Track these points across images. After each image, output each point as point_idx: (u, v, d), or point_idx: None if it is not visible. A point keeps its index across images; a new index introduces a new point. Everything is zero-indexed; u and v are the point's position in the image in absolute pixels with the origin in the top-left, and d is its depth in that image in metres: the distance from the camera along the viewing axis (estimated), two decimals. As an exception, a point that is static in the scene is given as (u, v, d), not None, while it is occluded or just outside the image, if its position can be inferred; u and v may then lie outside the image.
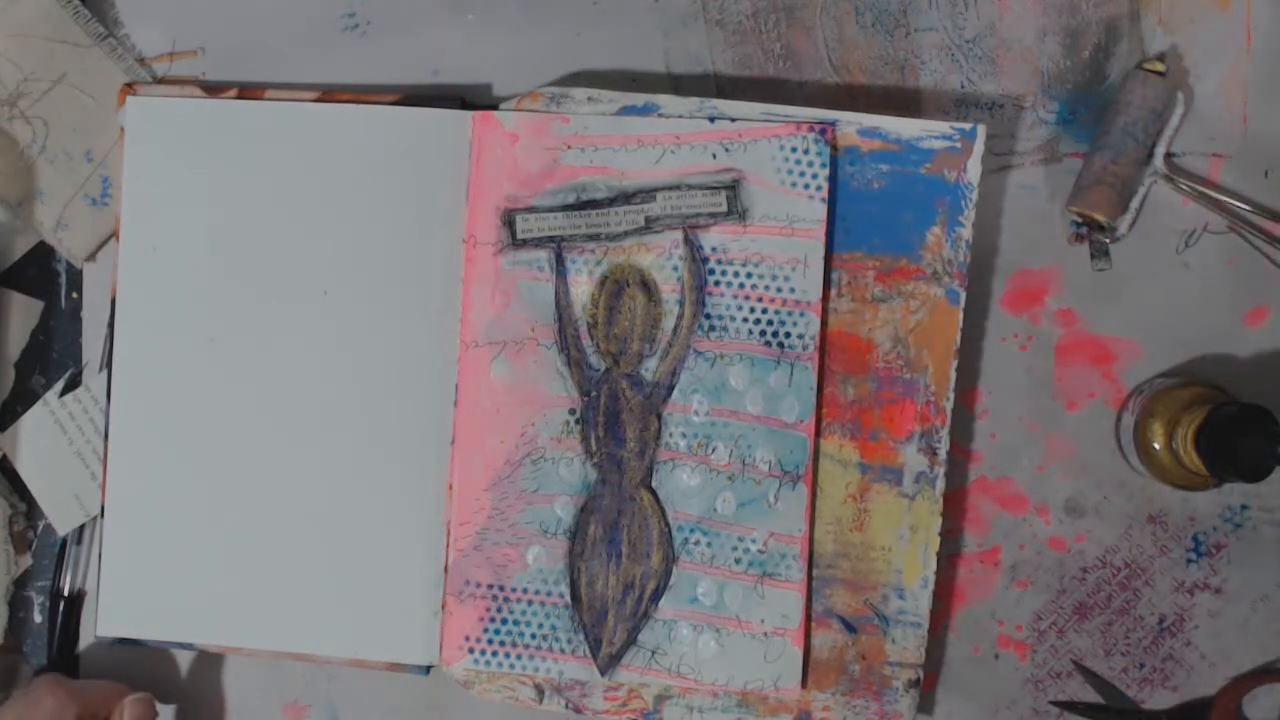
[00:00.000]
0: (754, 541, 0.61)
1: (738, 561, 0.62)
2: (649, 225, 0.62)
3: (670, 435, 0.62)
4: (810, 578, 0.62)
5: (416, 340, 0.64)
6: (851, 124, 0.61)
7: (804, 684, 0.62)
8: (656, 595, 0.62)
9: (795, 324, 0.61)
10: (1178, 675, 0.63)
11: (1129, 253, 0.63)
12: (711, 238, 0.62)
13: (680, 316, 0.62)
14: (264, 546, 0.64)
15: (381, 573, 0.64)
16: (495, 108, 0.63)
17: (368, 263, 0.64)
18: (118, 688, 0.64)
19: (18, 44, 0.66)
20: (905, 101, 0.64)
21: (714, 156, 0.61)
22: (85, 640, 0.67)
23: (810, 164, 0.61)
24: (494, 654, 0.63)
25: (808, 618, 0.62)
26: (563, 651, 0.62)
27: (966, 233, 0.61)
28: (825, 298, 0.61)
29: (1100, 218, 0.62)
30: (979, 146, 0.60)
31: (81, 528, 0.67)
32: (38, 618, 0.68)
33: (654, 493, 0.62)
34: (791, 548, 0.61)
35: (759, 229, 0.61)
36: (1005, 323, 0.64)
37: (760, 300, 0.61)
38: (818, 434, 0.61)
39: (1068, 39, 0.64)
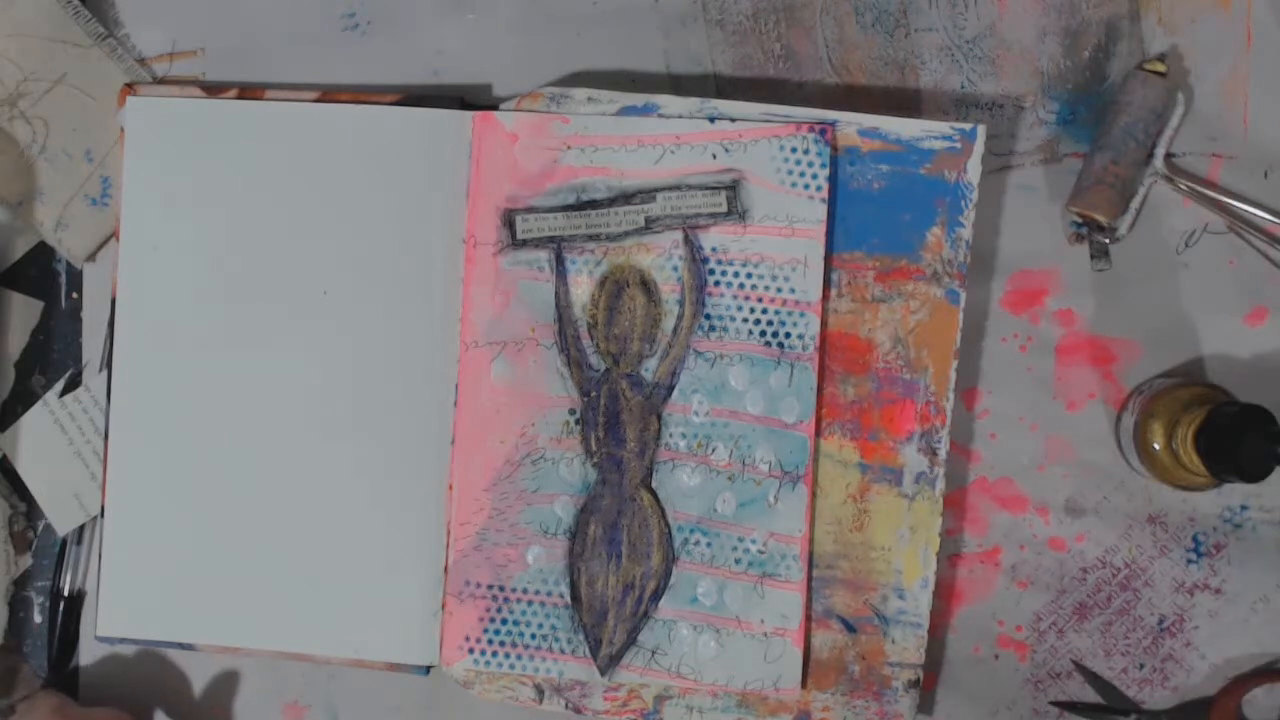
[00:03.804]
0: (754, 542, 0.61)
1: (738, 562, 0.62)
2: (649, 225, 0.62)
3: (670, 435, 0.62)
4: (810, 578, 0.62)
5: (416, 340, 0.64)
6: (851, 124, 0.61)
7: (804, 684, 0.62)
8: (656, 595, 0.62)
9: (795, 324, 0.61)
10: (1178, 675, 0.63)
11: (1129, 253, 0.63)
12: (711, 238, 0.62)
13: (680, 316, 0.62)
14: (264, 546, 0.64)
15: (381, 573, 0.64)
16: (495, 108, 0.63)
17: (368, 263, 0.64)
18: (122, 716, 0.64)
19: (18, 44, 0.66)
20: (905, 101, 0.64)
21: (714, 157, 0.61)
22: (85, 640, 0.67)
23: (810, 164, 0.61)
24: (494, 654, 0.63)
25: (808, 618, 0.62)
26: (563, 651, 0.62)
27: (966, 233, 0.61)
28: (825, 298, 0.61)
29: (1100, 218, 0.62)
30: (979, 146, 0.60)
31: (81, 528, 0.67)
32: (38, 618, 0.68)
33: (654, 493, 0.62)
34: (791, 548, 0.61)
35: (759, 229, 0.61)
36: (1005, 323, 0.64)
37: (760, 300, 0.61)
38: (818, 434, 0.61)
39: (1068, 39, 0.64)
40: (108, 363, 0.66)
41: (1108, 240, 0.63)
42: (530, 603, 0.62)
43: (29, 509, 0.68)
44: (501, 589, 0.63)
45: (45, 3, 0.66)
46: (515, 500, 0.63)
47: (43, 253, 0.69)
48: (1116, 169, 0.61)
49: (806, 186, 0.61)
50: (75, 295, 0.68)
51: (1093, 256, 0.63)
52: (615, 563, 0.62)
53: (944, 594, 0.64)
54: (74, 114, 0.67)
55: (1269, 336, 0.63)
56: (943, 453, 0.61)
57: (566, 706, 0.63)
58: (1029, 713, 0.64)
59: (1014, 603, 0.64)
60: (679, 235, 0.62)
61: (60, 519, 0.67)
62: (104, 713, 0.64)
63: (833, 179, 0.61)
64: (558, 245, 0.62)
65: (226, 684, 0.67)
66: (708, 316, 0.62)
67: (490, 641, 0.63)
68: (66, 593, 0.67)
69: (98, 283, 0.68)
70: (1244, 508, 0.63)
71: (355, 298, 0.64)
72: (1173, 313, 0.63)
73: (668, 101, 0.62)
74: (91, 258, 0.68)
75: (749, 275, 0.61)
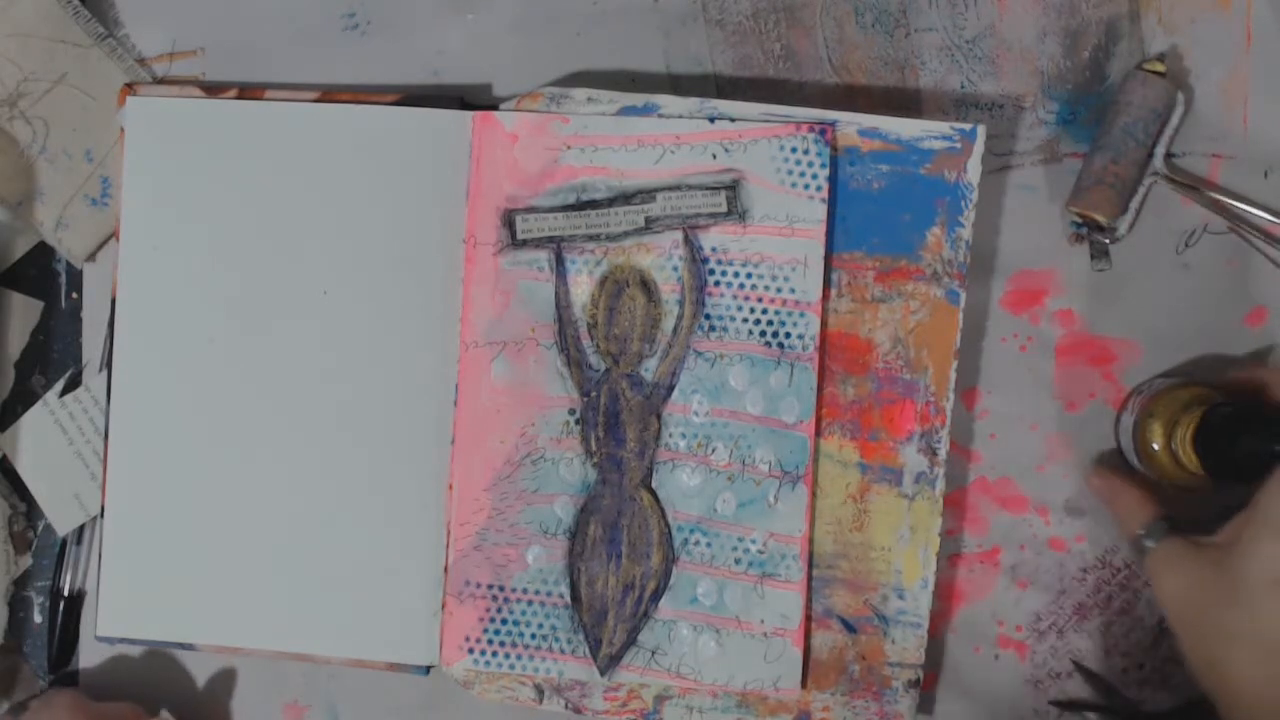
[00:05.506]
0: (754, 542, 0.61)
1: (738, 562, 0.62)
2: (649, 225, 0.62)
3: (670, 435, 0.62)
4: (810, 578, 0.62)
5: (416, 340, 0.64)
6: (851, 124, 0.61)
7: (804, 684, 0.62)
8: (656, 595, 0.62)
9: (795, 324, 0.61)
10: (1178, 675, 0.63)
11: (1129, 253, 0.63)
12: (711, 238, 0.62)
13: (680, 317, 0.62)
14: (264, 546, 0.64)
15: (381, 573, 0.64)
16: (495, 108, 0.63)
17: (368, 263, 0.64)
18: (136, 709, 0.64)
19: (18, 44, 0.66)
20: (905, 101, 0.64)
21: (714, 157, 0.61)
22: (85, 640, 0.67)
23: (810, 164, 0.61)
24: (494, 654, 0.63)
25: (808, 618, 0.62)
26: (563, 652, 0.62)
27: (966, 233, 0.61)
28: (825, 298, 0.61)
29: (1100, 218, 0.62)
30: (979, 147, 0.60)
31: (81, 528, 0.67)
32: (38, 618, 0.68)
33: (654, 493, 0.62)
34: (791, 548, 0.61)
35: (759, 229, 0.61)
36: (1005, 323, 0.64)
37: (760, 300, 0.61)
38: (818, 434, 0.61)
39: (1068, 39, 0.64)
40: (108, 363, 0.66)
41: (1108, 240, 0.63)
42: (530, 603, 0.62)
43: (29, 509, 0.68)
44: (501, 589, 0.63)
45: (45, 3, 0.66)
46: (515, 500, 0.63)
47: (43, 253, 0.69)
48: (1116, 169, 0.61)
49: (806, 186, 0.61)
50: (75, 295, 0.68)
51: (1093, 256, 0.63)
52: (615, 563, 0.62)
53: (944, 594, 0.64)
54: (74, 114, 0.67)
55: (1269, 336, 0.63)
56: (943, 453, 0.61)
57: (566, 706, 0.63)
58: (1029, 713, 0.64)
59: (1014, 603, 0.64)
60: (679, 235, 0.62)
61: (60, 519, 0.67)
62: (120, 707, 0.64)
63: (833, 179, 0.61)
64: (558, 245, 0.62)
65: (226, 684, 0.67)
66: (708, 316, 0.62)
67: (490, 641, 0.63)
68: (66, 593, 0.67)
69: (98, 283, 0.68)
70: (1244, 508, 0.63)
71: (355, 298, 0.64)
72: (1173, 313, 0.63)
73: (668, 101, 0.62)
74: (91, 258, 0.68)
75: (749, 275, 0.61)
